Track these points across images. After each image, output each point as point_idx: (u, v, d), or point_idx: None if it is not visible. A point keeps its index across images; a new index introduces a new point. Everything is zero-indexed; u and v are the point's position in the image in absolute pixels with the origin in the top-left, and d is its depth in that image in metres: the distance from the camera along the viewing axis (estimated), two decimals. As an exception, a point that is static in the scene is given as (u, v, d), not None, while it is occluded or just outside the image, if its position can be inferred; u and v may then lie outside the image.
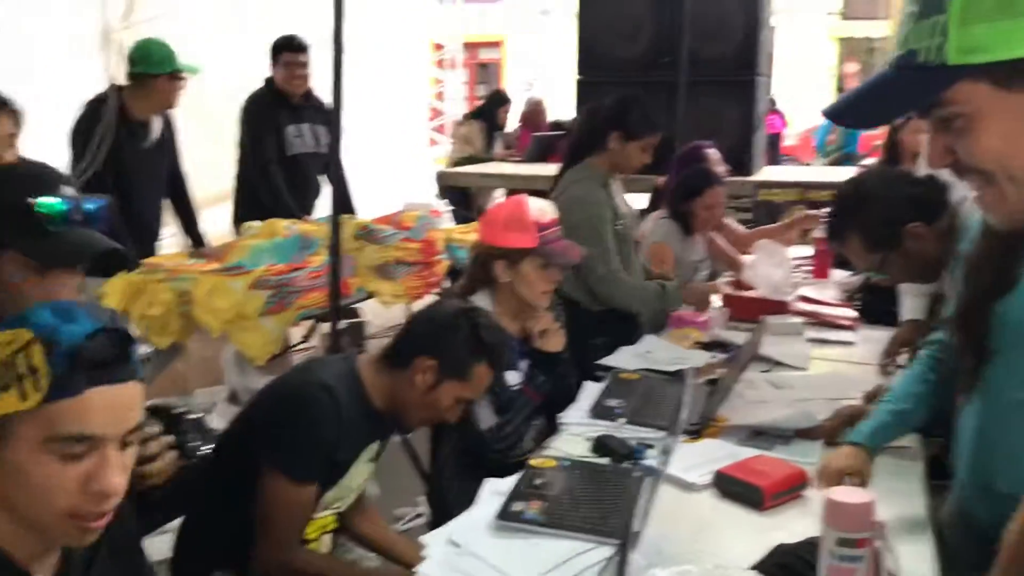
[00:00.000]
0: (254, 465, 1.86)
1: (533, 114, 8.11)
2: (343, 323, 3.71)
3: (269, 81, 4.47)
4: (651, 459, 1.99)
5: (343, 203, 3.57)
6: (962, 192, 2.18)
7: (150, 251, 3.94)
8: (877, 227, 2.16)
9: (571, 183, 3.15)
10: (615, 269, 3.06)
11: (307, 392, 1.88)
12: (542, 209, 2.48)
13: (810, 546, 1.43)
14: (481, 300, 2.42)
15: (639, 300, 3.13)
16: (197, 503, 1.95)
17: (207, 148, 4.72)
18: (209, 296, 3.22)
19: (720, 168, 3.85)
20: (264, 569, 1.88)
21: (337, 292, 3.01)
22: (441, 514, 2.15)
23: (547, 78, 14.42)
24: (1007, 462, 1.63)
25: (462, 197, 6.77)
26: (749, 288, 3.36)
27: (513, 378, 2.41)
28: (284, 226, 3.82)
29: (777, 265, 3.37)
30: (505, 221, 2.45)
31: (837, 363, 2.79)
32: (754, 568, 1.50)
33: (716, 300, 3.33)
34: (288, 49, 4.38)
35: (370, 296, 3.74)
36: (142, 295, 3.25)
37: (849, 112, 0.94)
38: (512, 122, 8.13)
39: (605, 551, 1.62)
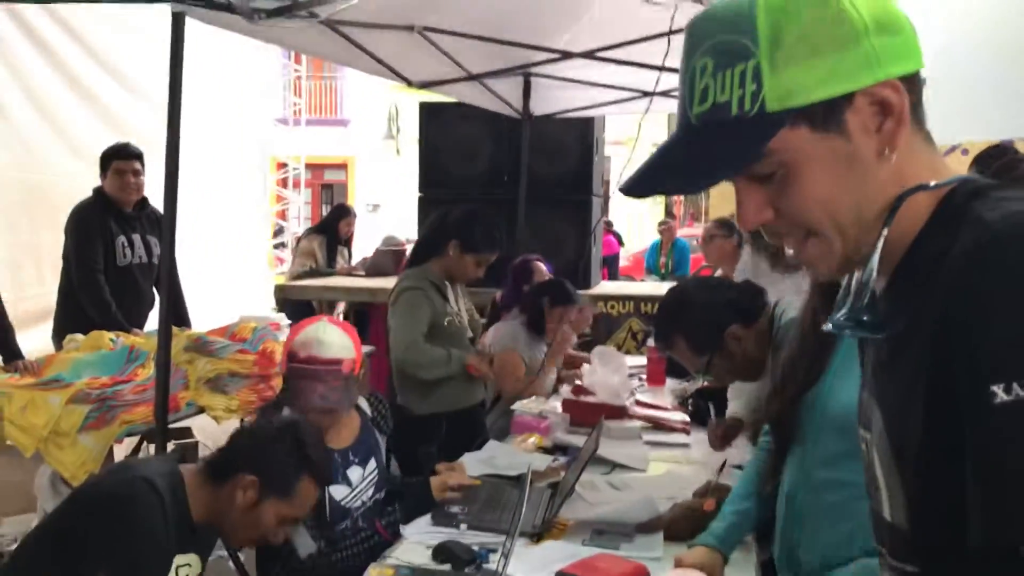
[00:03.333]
0: None
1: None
2: (173, 444, 3.48)
3: (98, 190, 4.31)
4: (494, 563, 1.95)
5: (176, 314, 3.41)
6: (778, 296, 2.35)
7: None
8: (699, 331, 2.28)
9: (404, 279, 3.28)
10: (415, 336, 3.11)
11: (130, 490, 1.77)
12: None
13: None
14: None
15: (435, 365, 3.15)
16: None
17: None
18: (22, 412, 2.98)
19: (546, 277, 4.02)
20: None
21: (165, 405, 2.85)
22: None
23: (394, 199, 14.62)
24: (811, 534, 1.74)
25: (304, 311, 6.64)
26: (589, 394, 3.42)
27: (338, 492, 2.31)
28: (110, 338, 3.63)
29: (614, 371, 3.46)
30: None
31: (673, 464, 2.85)
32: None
33: (557, 406, 3.38)
34: (119, 157, 4.25)
35: (201, 411, 3.57)
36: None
37: (647, 186, 0.84)
38: (358, 237, 8.03)
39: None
